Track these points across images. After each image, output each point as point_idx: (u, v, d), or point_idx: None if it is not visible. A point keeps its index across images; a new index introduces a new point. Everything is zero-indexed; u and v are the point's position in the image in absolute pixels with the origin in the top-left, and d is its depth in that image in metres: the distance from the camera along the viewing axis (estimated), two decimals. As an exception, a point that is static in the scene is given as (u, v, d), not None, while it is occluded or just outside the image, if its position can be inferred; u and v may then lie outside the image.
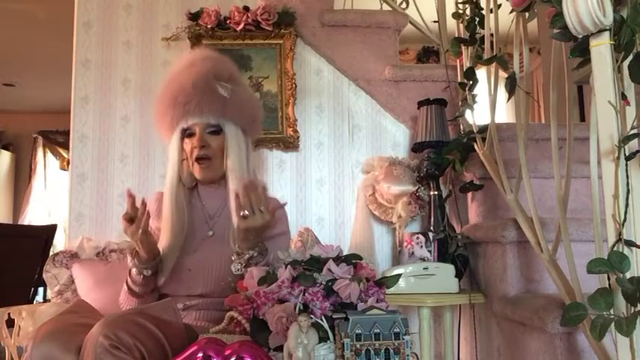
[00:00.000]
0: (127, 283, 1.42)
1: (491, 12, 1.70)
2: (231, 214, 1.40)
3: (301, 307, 1.06)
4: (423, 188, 1.95)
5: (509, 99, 1.50)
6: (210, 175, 1.47)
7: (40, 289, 3.76)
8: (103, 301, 1.63)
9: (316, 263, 1.14)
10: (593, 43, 0.98)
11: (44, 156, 6.02)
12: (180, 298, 1.41)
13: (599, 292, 0.98)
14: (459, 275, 1.70)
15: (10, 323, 1.68)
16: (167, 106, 1.45)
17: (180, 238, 1.43)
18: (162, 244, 1.42)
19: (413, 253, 1.77)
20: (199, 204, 1.52)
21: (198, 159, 1.44)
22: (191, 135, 1.45)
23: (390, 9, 2.30)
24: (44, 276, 1.83)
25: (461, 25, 2.06)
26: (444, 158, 1.85)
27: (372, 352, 0.94)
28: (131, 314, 1.09)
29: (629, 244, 0.95)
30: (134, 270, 1.38)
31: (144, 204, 1.29)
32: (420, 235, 1.78)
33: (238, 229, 1.31)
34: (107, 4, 2.16)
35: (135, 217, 1.28)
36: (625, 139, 0.95)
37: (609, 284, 0.98)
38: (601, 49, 0.97)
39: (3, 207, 5.89)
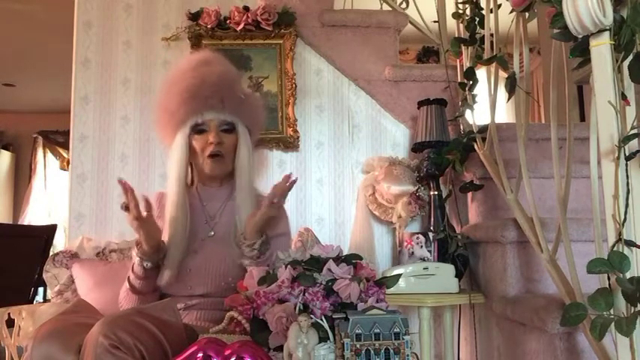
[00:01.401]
0: (128, 278, 1.42)
1: (491, 12, 1.70)
2: (234, 212, 1.43)
3: (301, 307, 1.06)
4: (423, 188, 1.95)
5: (509, 99, 1.50)
6: (221, 170, 1.48)
7: (40, 289, 3.75)
8: (103, 301, 1.63)
9: (316, 263, 1.14)
10: (593, 43, 0.98)
11: (44, 156, 6.02)
12: (181, 298, 1.41)
13: (599, 292, 0.98)
14: (459, 275, 1.70)
15: (10, 323, 1.68)
16: (182, 99, 1.43)
17: (184, 238, 1.43)
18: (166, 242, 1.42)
19: (413, 253, 1.77)
20: (199, 204, 1.52)
21: (213, 155, 1.44)
22: (202, 131, 1.45)
23: (390, 9, 2.30)
24: (44, 276, 1.83)
25: (461, 25, 2.06)
26: (444, 158, 1.85)
27: (372, 352, 0.94)
28: (131, 314, 1.09)
29: (629, 244, 0.95)
30: (136, 260, 1.38)
31: (146, 201, 1.30)
32: (420, 235, 1.78)
33: (257, 220, 1.35)
34: (107, 4, 2.16)
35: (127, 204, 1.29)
36: (625, 139, 0.95)
37: (609, 284, 0.98)
38: (601, 49, 0.97)
39: (3, 207, 5.89)
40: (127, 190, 1.27)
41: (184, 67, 1.50)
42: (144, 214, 1.30)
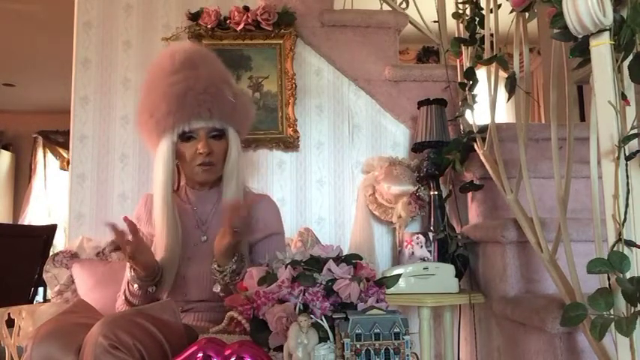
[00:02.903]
0: (124, 294, 1.39)
1: (491, 12, 1.70)
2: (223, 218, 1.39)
3: (301, 307, 1.06)
4: (423, 188, 1.95)
5: (509, 99, 1.50)
6: (212, 177, 1.44)
7: (40, 289, 3.76)
8: (103, 301, 1.63)
9: (316, 263, 1.13)
10: (593, 43, 0.98)
11: (44, 156, 6.02)
12: (177, 303, 1.39)
13: (599, 292, 0.98)
14: (459, 275, 1.70)
15: (10, 323, 1.68)
16: (168, 107, 1.36)
17: (177, 245, 1.38)
18: (158, 252, 1.37)
19: (413, 253, 1.77)
20: (190, 209, 1.47)
21: (204, 164, 1.39)
22: (190, 138, 1.39)
23: (390, 9, 2.30)
24: (44, 276, 1.83)
25: (461, 25, 2.07)
26: (444, 158, 1.85)
27: (372, 352, 0.94)
28: (131, 314, 1.09)
29: (629, 244, 0.95)
30: (134, 283, 1.34)
31: (129, 224, 1.24)
32: (420, 235, 1.78)
33: (227, 245, 1.27)
34: (107, 4, 2.16)
35: (118, 245, 1.23)
36: (625, 139, 0.95)
37: (609, 284, 0.98)
38: (601, 49, 0.97)
39: (3, 207, 5.89)
40: (118, 231, 1.20)
41: (167, 67, 1.42)
42: (129, 237, 1.23)
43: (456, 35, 2.09)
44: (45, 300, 3.66)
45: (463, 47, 2.01)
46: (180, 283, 1.40)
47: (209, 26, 2.07)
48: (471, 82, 1.93)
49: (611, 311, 0.96)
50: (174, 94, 1.36)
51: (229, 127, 1.42)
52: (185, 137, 1.39)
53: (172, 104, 1.36)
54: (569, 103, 1.25)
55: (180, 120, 1.37)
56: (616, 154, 0.96)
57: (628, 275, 0.94)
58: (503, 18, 1.60)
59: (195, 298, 1.39)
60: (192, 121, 1.37)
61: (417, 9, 2.43)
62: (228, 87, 1.43)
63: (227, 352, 0.96)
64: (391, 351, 0.94)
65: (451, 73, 2.11)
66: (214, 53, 1.56)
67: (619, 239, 0.95)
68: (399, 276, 1.52)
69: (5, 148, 6.03)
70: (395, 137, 2.15)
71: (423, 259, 1.75)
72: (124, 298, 1.40)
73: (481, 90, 1.85)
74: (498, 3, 1.64)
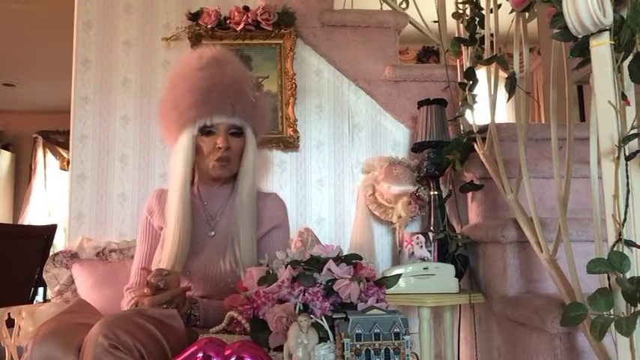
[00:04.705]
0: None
1: (491, 12, 1.70)
2: (235, 214, 1.41)
3: (301, 307, 1.06)
4: (423, 188, 1.95)
5: (509, 99, 1.50)
6: (227, 174, 1.46)
7: (40, 289, 3.76)
8: (103, 301, 1.63)
9: (316, 263, 1.13)
10: (593, 43, 0.98)
11: (44, 156, 6.01)
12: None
13: (599, 292, 0.98)
14: (459, 275, 1.70)
15: (10, 323, 1.68)
16: (194, 100, 1.39)
17: (188, 239, 1.39)
18: (167, 245, 1.38)
19: (413, 253, 1.77)
20: (200, 203, 1.50)
21: (221, 159, 1.41)
22: (210, 133, 1.42)
23: (390, 9, 2.30)
24: (44, 276, 1.83)
25: (461, 25, 2.07)
26: (444, 158, 1.85)
27: (372, 352, 0.94)
28: (131, 314, 1.09)
29: (629, 244, 0.95)
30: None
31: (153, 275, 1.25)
32: (420, 235, 1.78)
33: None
34: (107, 4, 2.16)
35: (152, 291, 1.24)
36: (625, 139, 0.95)
37: (609, 284, 0.98)
38: (601, 49, 0.97)
39: (3, 207, 5.88)
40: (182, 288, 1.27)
41: (194, 64, 1.45)
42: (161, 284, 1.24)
43: (456, 35, 2.09)
44: (45, 300, 3.66)
45: (463, 47, 2.01)
46: (185, 277, 1.40)
47: (209, 26, 2.07)
48: (471, 82, 1.93)
49: (611, 311, 0.96)
50: (201, 87, 1.40)
51: (248, 126, 1.45)
52: (205, 131, 1.42)
53: (198, 97, 1.39)
54: (569, 103, 1.25)
55: (204, 113, 1.40)
56: (616, 154, 0.96)
57: (628, 275, 0.94)
58: (503, 18, 1.60)
59: (199, 294, 1.40)
60: (214, 116, 1.40)
61: (417, 9, 2.43)
62: (250, 87, 1.47)
63: (227, 352, 0.95)
64: (391, 351, 0.94)
65: (451, 73, 2.11)
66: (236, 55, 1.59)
67: (619, 239, 0.95)
68: (399, 276, 1.52)
69: (5, 148, 6.02)
70: (395, 137, 2.15)
71: (423, 259, 1.75)
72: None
73: (481, 90, 1.85)
74: (498, 3, 1.64)
